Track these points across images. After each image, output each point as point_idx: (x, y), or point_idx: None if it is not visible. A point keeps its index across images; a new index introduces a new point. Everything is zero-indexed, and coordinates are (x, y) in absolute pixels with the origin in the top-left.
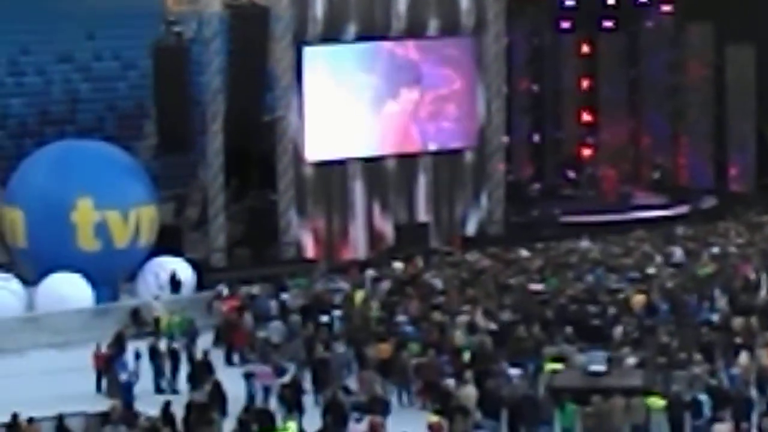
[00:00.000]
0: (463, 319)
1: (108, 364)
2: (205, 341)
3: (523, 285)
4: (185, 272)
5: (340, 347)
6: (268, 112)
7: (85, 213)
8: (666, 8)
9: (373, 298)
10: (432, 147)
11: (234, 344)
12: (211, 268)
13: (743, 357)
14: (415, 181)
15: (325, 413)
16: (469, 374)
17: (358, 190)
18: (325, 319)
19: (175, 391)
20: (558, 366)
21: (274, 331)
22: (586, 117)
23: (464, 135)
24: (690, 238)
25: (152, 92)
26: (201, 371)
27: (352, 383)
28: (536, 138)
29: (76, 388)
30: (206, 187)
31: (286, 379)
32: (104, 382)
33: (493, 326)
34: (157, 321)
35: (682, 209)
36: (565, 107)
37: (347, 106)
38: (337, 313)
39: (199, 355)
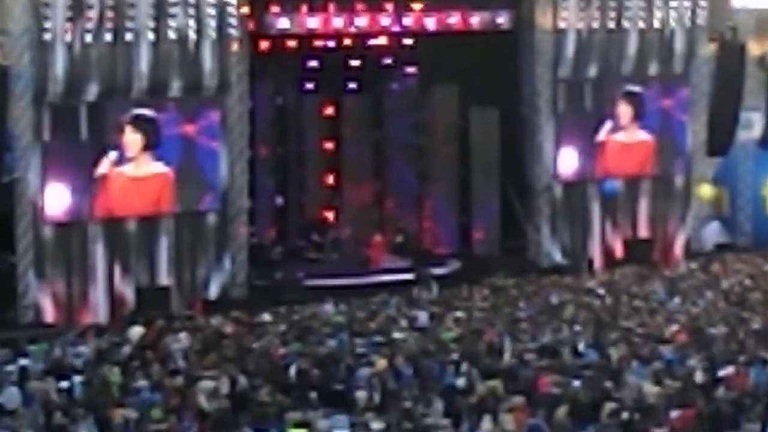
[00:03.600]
0: (204, 384)
1: None
2: None
3: (265, 349)
4: None
5: (81, 414)
6: (6, 173)
7: None
8: (411, 70)
9: (113, 363)
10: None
11: None
12: None
13: (486, 422)
14: (156, 243)
15: None
16: None
17: (99, 252)
18: (64, 384)
19: None
20: (301, 431)
21: (9, 396)
22: (329, 179)
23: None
24: (435, 302)
25: None
26: None
27: None
28: (279, 200)
29: None
30: None
31: None
32: None
33: (234, 390)
34: None
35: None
36: (309, 169)
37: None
38: (77, 378)
39: None
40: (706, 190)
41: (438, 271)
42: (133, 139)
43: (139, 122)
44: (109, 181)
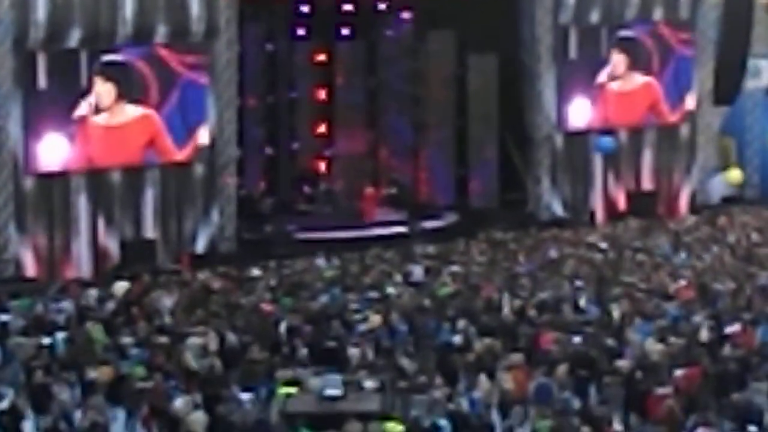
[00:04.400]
0: (192, 341)
1: None
2: None
3: (255, 305)
4: None
5: (66, 372)
6: None
7: None
8: (406, 15)
9: (97, 320)
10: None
11: None
12: None
13: (484, 380)
14: (141, 195)
15: None
16: (198, 398)
17: (82, 204)
18: (46, 341)
19: None
20: (292, 390)
21: None
22: (322, 129)
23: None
24: (430, 257)
25: None
26: None
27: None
28: (269, 150)
29: None
30: None
31: (4, 404)
32: None
33: (223, 348)
34: None
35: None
36: (300, 118)
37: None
38: (60, 335)
39: None
40: (735, 175)
41: (434, 224)
42: (105, 89)
43: (110, 70)
44: (87, 128)
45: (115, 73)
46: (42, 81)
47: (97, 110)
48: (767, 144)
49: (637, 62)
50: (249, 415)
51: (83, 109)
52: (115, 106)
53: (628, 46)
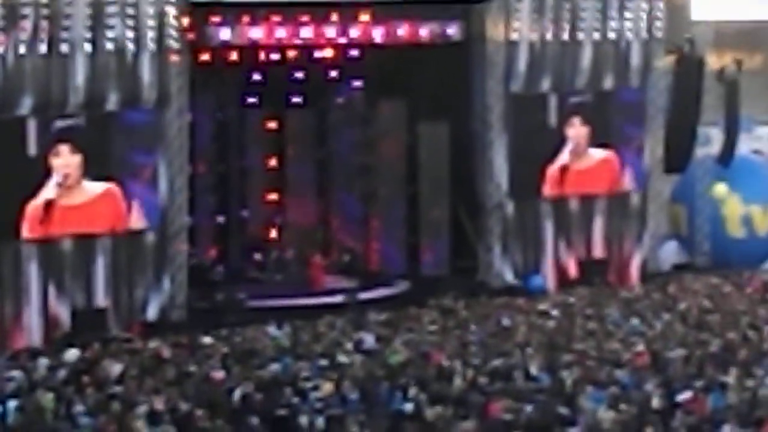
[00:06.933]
0: (143, 409)
1: None
2: None
3: (205, 373)
4: None
5: None
6: None
7: None
8: (357, 83)
9: (48, 388)
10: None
11: None
12: None
13: None
14: (92, 263)
15: None
16: None
17: (33, 272)
18: None
19: None
20: None
21: None
22: (272, 197)
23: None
24: (382, 324)
25: None
26: None
27: None
28: (220, 219)
29: None
30: None
31: None
32: None
33: (174, 416)
34: None
35: (373, 294)
36: (251, 187)
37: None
38: (11, 403)
39: None
40: (720, 190)
41: (385, 292)
42: (73, 161)
43: (77, 138)
44: (54, 209)
45: (83, 141)
46: None
47: (60, 186)
48: (717, 212)
49: (594, 133)
50: None
51: (49, 191)
52: (77, 184)
53: (586, 113)
